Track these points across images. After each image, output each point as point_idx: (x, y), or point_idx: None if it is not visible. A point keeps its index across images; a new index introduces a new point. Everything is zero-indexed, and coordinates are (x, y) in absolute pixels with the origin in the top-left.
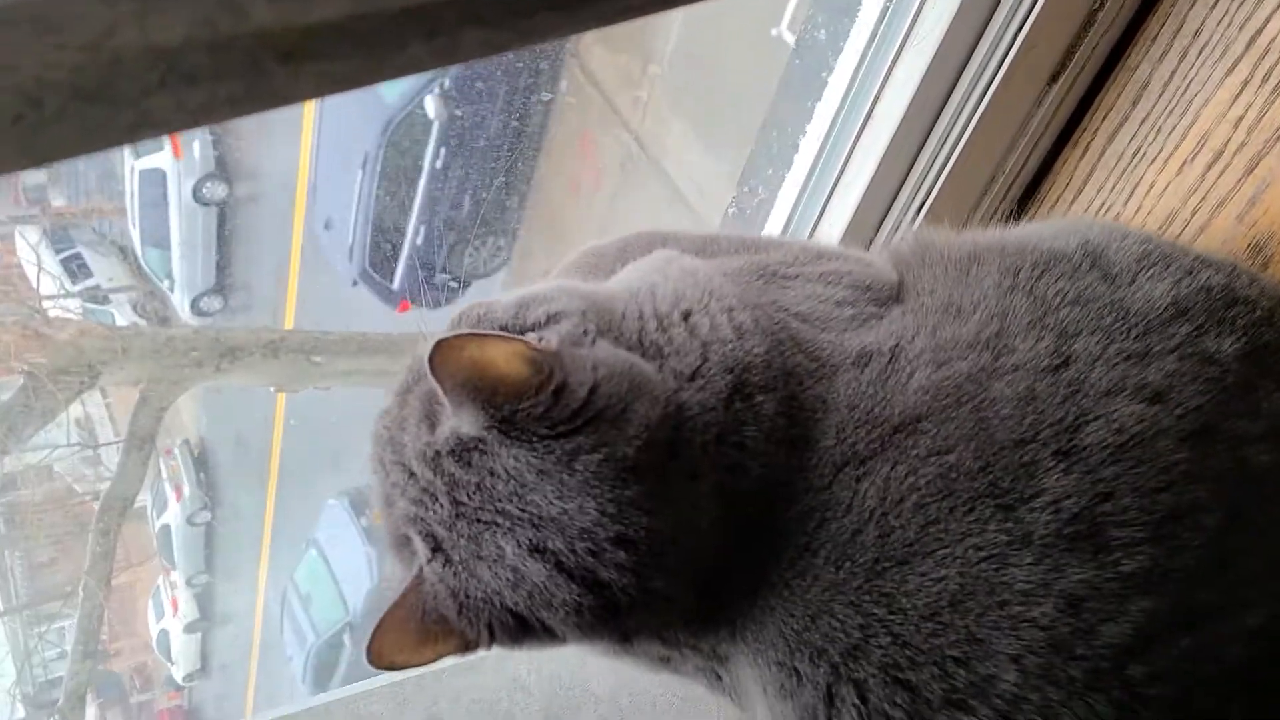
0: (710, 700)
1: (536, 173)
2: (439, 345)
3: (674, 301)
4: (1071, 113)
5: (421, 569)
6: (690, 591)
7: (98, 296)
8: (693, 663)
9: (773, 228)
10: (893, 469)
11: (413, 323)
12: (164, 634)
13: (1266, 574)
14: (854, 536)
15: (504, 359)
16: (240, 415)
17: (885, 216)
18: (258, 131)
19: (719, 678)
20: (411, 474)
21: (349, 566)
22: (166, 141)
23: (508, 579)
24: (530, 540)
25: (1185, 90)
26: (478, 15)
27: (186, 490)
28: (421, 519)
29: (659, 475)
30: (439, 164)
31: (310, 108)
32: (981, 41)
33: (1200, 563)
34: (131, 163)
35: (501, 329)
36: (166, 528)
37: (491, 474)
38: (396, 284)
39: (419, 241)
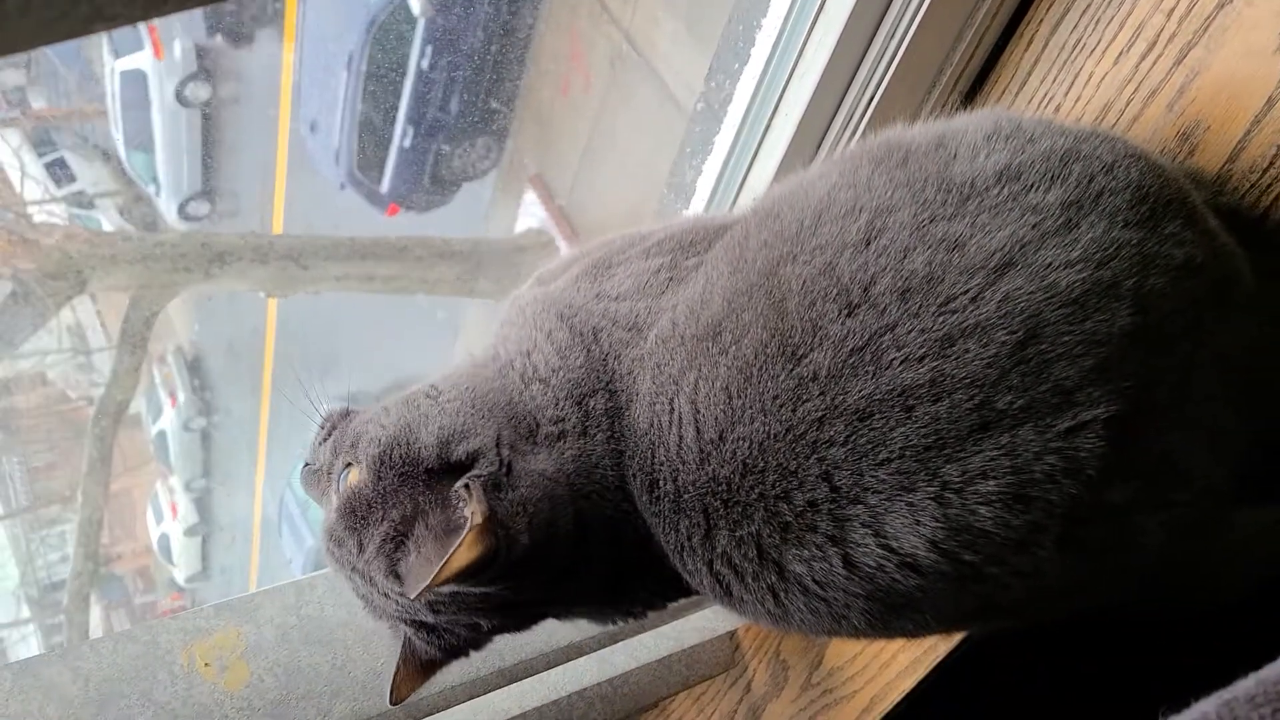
0: None
1: (525, 72)
2: (421, 587)
3: (524, 354)
4: (1017, 6)
5: (409, 638)
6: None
7: (83, 201)
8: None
9: (732, 121)
10: (699, 373)
11: (402, 226)
12: (164, 537)
13: (1096, 376)
14: (679, 446)
15: (466, 557)
16: (232, 321)
17: (838, 107)
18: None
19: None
20: (386, 596)
21: None
22: (147, 41)
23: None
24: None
25: None
26: None
27: (181, 396)
28: (399, 617)
29: (586, 548)
30: (425, 64)
31: (292, 5)
32: None
33: (996, 371)
34: (111, 64)
35: (428, 471)
36: (163, 434)
37: (458, 595)
38: (385, 187)
39: (407, 144)
